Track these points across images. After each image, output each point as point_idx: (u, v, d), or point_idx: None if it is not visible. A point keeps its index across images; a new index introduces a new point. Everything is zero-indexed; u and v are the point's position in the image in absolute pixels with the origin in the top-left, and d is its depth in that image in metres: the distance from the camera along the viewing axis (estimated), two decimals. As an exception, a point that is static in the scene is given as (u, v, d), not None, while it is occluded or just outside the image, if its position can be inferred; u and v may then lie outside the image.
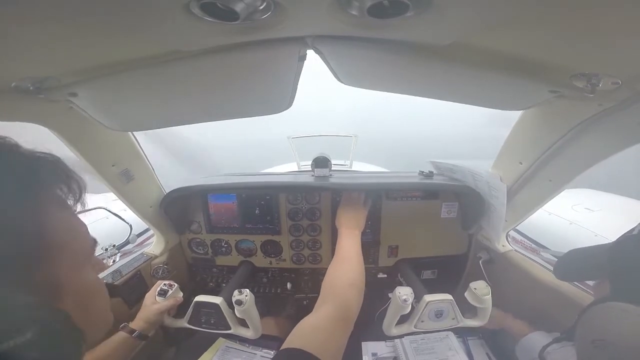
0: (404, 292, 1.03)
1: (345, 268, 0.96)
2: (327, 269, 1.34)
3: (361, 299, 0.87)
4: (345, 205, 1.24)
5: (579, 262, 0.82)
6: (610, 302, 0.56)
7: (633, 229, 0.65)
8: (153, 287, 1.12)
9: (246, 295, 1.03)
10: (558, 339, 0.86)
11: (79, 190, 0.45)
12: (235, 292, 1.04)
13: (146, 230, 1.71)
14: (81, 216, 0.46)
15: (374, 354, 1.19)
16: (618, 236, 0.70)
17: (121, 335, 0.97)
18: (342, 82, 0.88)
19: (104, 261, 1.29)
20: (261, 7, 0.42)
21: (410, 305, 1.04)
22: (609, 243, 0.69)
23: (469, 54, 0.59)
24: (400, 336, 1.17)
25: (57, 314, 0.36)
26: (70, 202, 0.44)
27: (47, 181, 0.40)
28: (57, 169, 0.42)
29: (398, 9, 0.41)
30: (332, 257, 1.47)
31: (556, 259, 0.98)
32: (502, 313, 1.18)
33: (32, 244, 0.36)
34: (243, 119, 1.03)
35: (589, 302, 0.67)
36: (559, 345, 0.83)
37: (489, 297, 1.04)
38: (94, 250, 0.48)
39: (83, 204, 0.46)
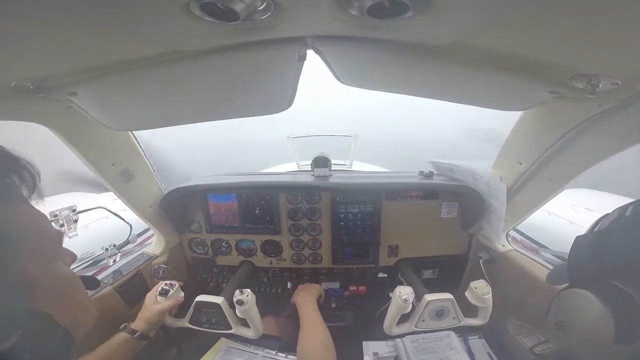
0: (404, 292, 1.03)
1: (313, 332, 1.08)
2: (327, 268, 1.34)
3: (334, 354, 0.99)
4: (299, 290, 1.39)
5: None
6: (573, 288, 0.61)
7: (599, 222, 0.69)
8: (154, 288, 1.11)
9: (247, 295, 1.03)
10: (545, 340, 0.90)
11: (31, 179, 0.40)
12: (237, 292, 1.04)
13: (146, 230, 1.71)
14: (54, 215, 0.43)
15: (375, 354, 1.19)
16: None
17: (123, 335, 0.97)
18: (342, 82, 0.88)
19: (104, 261, 1.29)
20: (261, 8, 0.42)
21: (411, 305, 1.04)
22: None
23: (469, 54, 0.59)
24: (401, 335, 1.17)
25: (36, 314, 0.35)
26: (24, 192, 0.39)
27: None
28: (4, 158, 0.38)
29: (398, 9, 0.41)
30: (331, 256, 1.48)
31: (556, 259, 0.99)
32: None
33: None
34: (242, 118, 1.03)
35: None
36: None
37: (490, 296, 1.04)
38: (61, 242, 0.45)
39: (39, 193, 0.42)
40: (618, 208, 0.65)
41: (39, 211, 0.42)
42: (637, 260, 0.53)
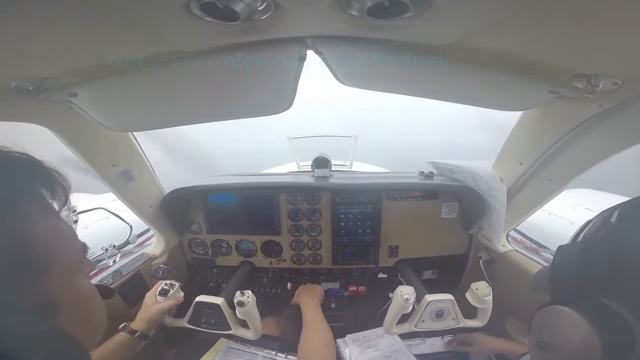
0: (405, 291, 1.03)
1: (315, 332, 1.08)
2: (326, 269, 1.34)
3: (335, 355, 1.00)
4: (301, 290, 1.39)
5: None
6: (555, 305, 0.55)
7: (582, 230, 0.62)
8: (153, 287, 1.11)
9: (248, 297, 1.03)
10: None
11: (63, 193, 0.41)
12: (238, 293, 1.04)
13: (146, 231, 1.71)
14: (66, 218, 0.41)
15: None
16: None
17: (122, 335, 0.97)
18: (342, 82, 0.88)
19: (104, 262, 1.28)
20: (261, 8, 0.42)
21: (412, 305, 1.04)
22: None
23: (469, 54, 0.59)
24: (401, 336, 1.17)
25: (59, 333, 0.34)
26: (55, 206, 0.40)
27: (27, 186, 0.36)
28: (36, 171, 0.38)
29: (398, 10, 0.41)
30: (331, 257, 1.48)
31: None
32: (493, 338, 1.16)
33: (20, 258, 0.32)
34: (243, 119, 1.03)
35: None
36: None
37: (490, 297, 1.03)
38: (86, 254, 0.45)
39: (70, 208, 0.42)
40: (602, 212, 0.58)
41: (68, 225, 0.41)
42: (626, 274, 0.47)
